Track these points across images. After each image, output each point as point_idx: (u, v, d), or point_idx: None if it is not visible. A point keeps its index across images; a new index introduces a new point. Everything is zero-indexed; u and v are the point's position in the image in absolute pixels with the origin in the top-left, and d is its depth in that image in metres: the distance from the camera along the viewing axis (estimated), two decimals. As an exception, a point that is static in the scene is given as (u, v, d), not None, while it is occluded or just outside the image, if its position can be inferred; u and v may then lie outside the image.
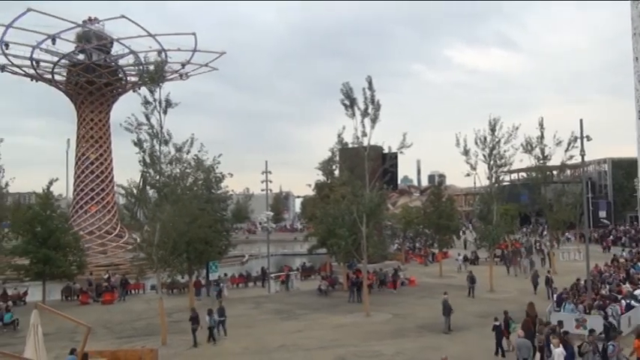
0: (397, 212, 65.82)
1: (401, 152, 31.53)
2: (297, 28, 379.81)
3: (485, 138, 34.21)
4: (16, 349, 18.68)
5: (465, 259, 45.49)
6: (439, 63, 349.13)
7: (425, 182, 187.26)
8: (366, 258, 29.61)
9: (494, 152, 34.29)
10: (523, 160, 40.23)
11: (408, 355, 20.29)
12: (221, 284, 34.63)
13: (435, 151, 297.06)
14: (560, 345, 15.30)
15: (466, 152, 34.58)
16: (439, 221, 43.11)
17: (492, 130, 34.09)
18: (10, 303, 32.89)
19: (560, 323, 18.47)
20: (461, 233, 56.13)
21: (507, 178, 76.89)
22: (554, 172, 47.45)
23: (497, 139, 34.12)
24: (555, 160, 40.40)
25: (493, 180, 35.49)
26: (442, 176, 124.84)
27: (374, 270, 37.95)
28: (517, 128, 34.34)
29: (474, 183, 39.33)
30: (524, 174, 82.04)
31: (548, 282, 30.22)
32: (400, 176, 70.89)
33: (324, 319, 27.86)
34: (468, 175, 35.33)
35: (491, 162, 34.55)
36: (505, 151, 34.41)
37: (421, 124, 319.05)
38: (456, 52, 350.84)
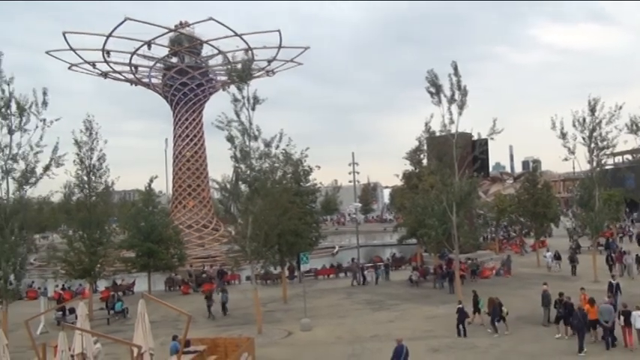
0: (489, 200, 63.72)
1: (491, 138, 30.53)
2: (375, 17, 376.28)
3: (584, 119, 32.05)
4: (127, 336, 20.15)
5: (557, 256, 38.57)
6: (524, 43, 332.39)
7: (519, 168, 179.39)
8: (458, 248, 28.97)
9: (595, 134, 32.03)
10: (628, 142, 37.29)
11: (504, 347, 19.63)
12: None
13: (529, 136, 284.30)
14: None
15: (563, 135, 32.59)
16: (535, 209, 41.18)
17: (592, 110, 31.85)
18: (120, 293, 35.51)
19: None
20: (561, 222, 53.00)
21: (610, 161, 71.92)
22: (665, 154, 43.63)
23: (597, 120, 31.83)
24: (666, 141, 37.05)
25: (594, 164, 33.27)
26: (537, 162, 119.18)
27: (467, 259, 37.01)
28: (620, 107, 31.80)
29: (573, 168, 37.14)
30: (629, 156, 76.48)
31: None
32: (492, 163, 68.67)
33: (416, 309, 27.60)
34: (566, 159, 33.37)
35: (592, 145, 32.31)
36: (607, 133, 32.06)
37: (511, 108, 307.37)
38: (542, 31, 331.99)
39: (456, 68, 27.95)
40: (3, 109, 22.54)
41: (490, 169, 49.26)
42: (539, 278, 31.19)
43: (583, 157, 33.10)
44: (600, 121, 31.82)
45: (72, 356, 15.47)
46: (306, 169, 33.01)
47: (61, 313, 28.02)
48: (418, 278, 35.60)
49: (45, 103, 23.30)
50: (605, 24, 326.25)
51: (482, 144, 34.29)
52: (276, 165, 27.28)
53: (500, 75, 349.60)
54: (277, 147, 25.72)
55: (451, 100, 28.23)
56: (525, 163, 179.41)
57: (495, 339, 20.69)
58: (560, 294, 21.19)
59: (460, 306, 21.84)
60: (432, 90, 28.59)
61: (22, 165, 23.10)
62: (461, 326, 21.57)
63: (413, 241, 42.36)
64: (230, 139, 24.41)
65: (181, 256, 38.64)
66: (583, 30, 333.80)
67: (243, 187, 25.36)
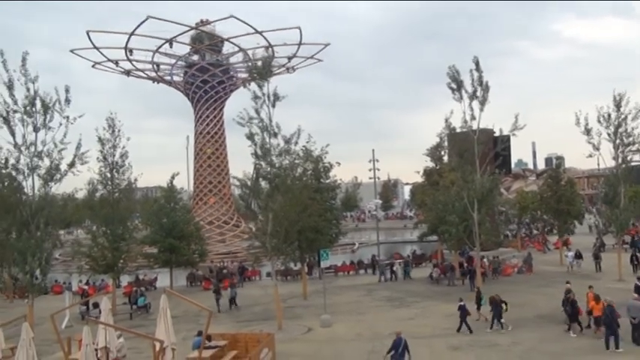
0: (512, 197, 62.98)
1: (513, 134, 30.24)
2: (395, 13, 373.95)
3: (609, 115, 31.48)
4: (149, 330, 20.40)
5: (578, 255, 36.53)
6: (547, 38, 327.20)
7: (541, 165, 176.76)
8: (479, 245, 28.73)
9: (621, 130, 31.47)
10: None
11: (526, 345, 19.39)
12: None
13: (552, 132, 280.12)
14: None
15: (587, 132, 32.06)
16: (558, 206, 40.56)
17: (617, 106, 31.28)
18: (142, 288, 35.98)
19: None
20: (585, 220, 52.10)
21: (636, 157, 70.39)
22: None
23: (623, 116, 31.26)
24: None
25: (620, 160, 32.67)
26: (560, 158, 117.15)
27: (485, 256, 36.68)
28: (647, 102, 31.29)
29: (598, 164, 36.47)
30: (656, 152, 74.77)
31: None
32: (514, 160, 67.50)
33: (437, 307, 27.43)
34: (591, 156, 32.82)
35: (617, 141, 31.75)
36: (634, 129, 31.50)
37: (534, 104, 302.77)
38: (565, 25, 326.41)
39: (477, 64, 27.78)
40: (28, 107, 22.94)
41: (512, 165, 48.71)
42: (562, 276, 30.75)
43: (608, 154, 32.52)
44: (626, 117, 31.23)
45: (96, 350, 15.74)
46: (326, 166, 33.03)
47: (85, 307, 28.49)
48: (439, 275, 35.39)
49: (68, 101, 23.65)
50: (630, 18, 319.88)
51: (505, 140, 33.95)
52: (297, 162, 27.36)
53: (523, 70, 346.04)
54: (297, 144, 25.81)
55: (472, 96, 28.04)
56: (548, 160, 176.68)
57: (517, 337, 20.45)
58: (567, 291, 20.95)
59: (462, 303, 22.07)
60: (454, 86, 28.46)
61: (46, 162, 23.51)
62: (465, 324, 21.74)
63: (433, 238, 42.11)
64: (250, 136, 24.54)
65: (202, 252, 38.98)
66: (607, 24, 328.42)
67: (263, 183, 25.49)
